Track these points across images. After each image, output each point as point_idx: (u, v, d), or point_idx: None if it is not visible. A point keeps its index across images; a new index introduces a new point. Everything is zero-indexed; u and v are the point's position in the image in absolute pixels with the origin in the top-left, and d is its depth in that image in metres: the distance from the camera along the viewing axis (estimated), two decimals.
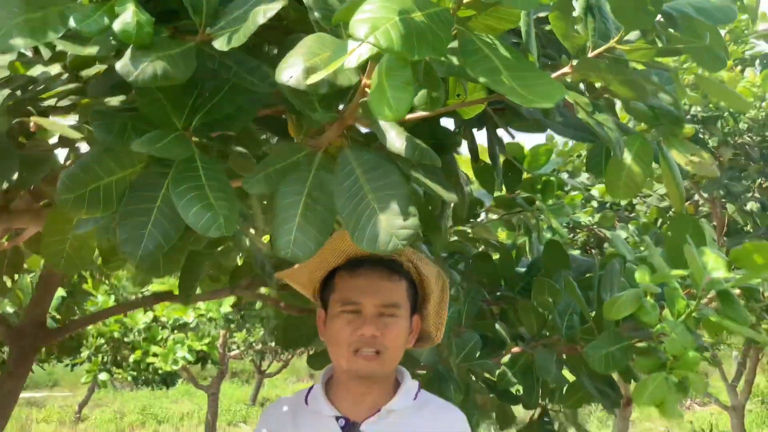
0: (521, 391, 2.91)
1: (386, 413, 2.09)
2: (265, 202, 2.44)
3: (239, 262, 3.39)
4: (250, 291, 3.21)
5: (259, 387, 20.38)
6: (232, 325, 11.97)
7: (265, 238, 3.44)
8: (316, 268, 2.15)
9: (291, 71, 1.48)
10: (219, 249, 3.15)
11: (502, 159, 2.84)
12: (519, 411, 3.23)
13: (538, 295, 2.72)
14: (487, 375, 2.86)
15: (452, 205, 2.57)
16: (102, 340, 11.10)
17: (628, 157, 1.74)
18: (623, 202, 7.62)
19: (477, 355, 2.73)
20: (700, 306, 2.14)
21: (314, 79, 1.34)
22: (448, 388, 2.65)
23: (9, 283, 3.59)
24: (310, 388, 2.20)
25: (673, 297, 2.17)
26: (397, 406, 2.11)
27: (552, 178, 3.64)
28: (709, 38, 1.60)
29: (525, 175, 3.66)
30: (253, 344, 14.86)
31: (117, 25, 1.54)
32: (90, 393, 18.27)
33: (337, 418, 2.09)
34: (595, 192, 7.76)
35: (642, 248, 4.67)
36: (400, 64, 1.25)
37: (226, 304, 11.08)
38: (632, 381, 2.58)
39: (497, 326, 2.88)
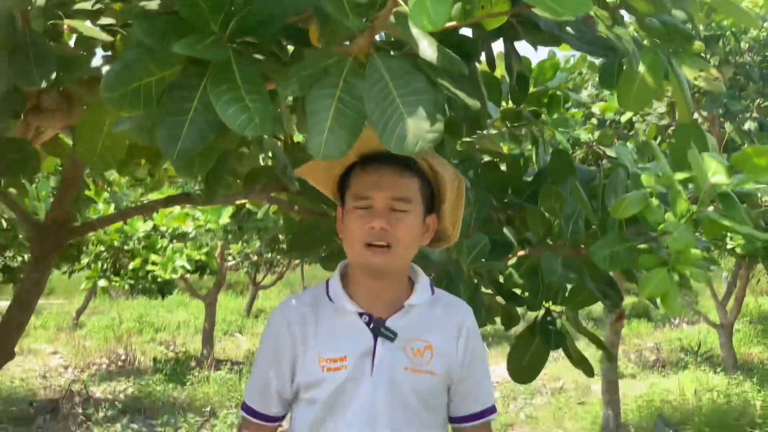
0: (526, 294, 3.06)
1: (408, 309, 2.21)
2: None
3: (254, 166, 3.49)
4: (264, 195, 3.31)
5: (254, 299, 20.64)
6: (230, 236, 12.10)
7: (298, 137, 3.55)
8: (332, 165, 2.22)
9: None
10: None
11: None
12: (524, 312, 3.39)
13: (544, 201, 2.83)
14: (494, 277, 2.99)
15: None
16: (102, 248, 11.24)
17: (640, 70, 1.84)
18: (623, 120, 7.71)
19: (485, 256, 2.86)
20: (701, 208, 2.26)
21: None
22: (457, 288, 2.78)
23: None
24: (327, 283, 2.29)
25: (676, 199, 2.28)
26: (417, 301, 2.22)
27: (558, 93, 3.74)
28: None
29: (531, 89, 3.76)
30: (250, 255, 15.02)
31: None
32: (87, 301, 18.51)
33: (361, 314, 2.19)
34: (595, 109, 7.85)
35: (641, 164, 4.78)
36: None
37: (225, 215, 11.22)
38: (634, 283, 2.71)
39: (505, 230, 3.00)
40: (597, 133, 7.73)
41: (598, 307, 14.23)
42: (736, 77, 7.70)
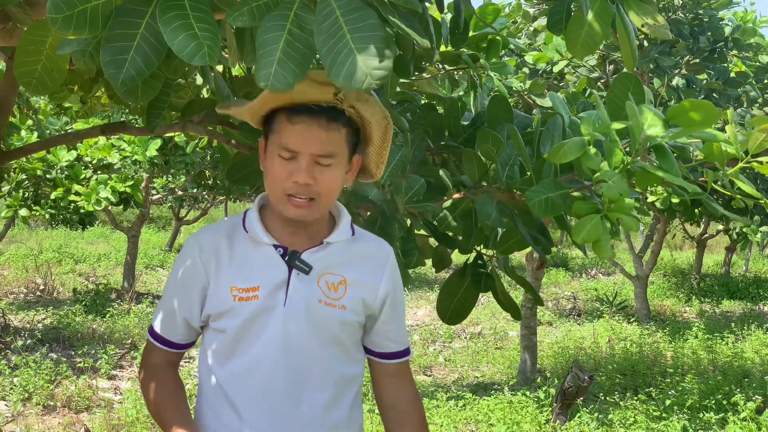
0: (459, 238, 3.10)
1: (325, 245, 2.24)
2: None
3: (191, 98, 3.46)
4: (201, 127, 3.29)
5: (176, 234, 20.52)
6: (156, 169, 11.96)
7: (237, 70, 3.52)
8: (258, 110, 2.19)
9: None
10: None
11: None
12: (454, 256, 3.43)
13: (481, 145, 2.86)
14: (428, 219, 3.02)
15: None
16: (23, 176, 11.03)
17: (588, 16, 1.87)
18: (555, 70, 7.78)
19: (421, 198, 2.89)
20: (636, 159, 2.32)
21: None
22: (391, 227, 2.81)
23: None
24: (245, 215, 2.29)
25: (612, 148, 2.33)
26: (336, 239, 2.25)
27: (497, 37, 3.75)
28: None
29: (471, 33, 3.77)
30: (175, 190, 14.90)
31: None
32: (6, 229, 18.15)
33: (276, 247, 2.21)
34: (528, 59, 7.91)
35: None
36: None
37: (152, 148, 11.08)
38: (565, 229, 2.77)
39: (441, 173, 3.03)
40: (528, 83, 7.79)
41: (518, 255, 14.44)
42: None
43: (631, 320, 13.03)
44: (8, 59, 3.20)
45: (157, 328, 2.31)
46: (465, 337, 11.72)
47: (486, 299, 14.18)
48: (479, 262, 3.14)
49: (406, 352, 2.41)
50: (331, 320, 2.21)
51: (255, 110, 2.20)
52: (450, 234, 3.07)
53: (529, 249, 8.99)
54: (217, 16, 1.90)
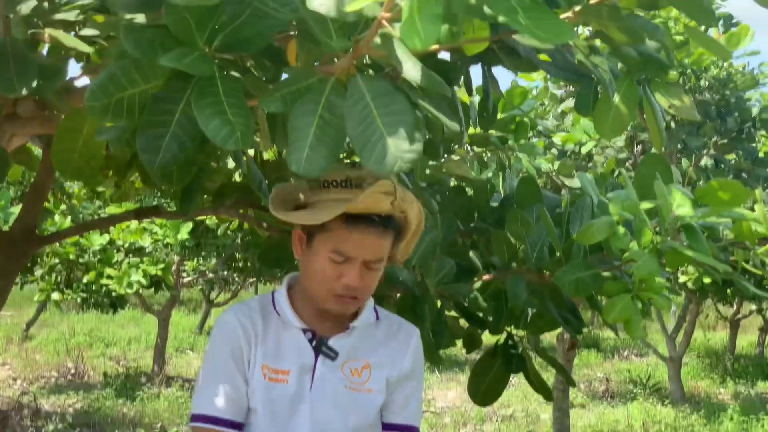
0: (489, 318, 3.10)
1: (352, 329, 2.26)
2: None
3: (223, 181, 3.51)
4: (233, 210, 3.33)
5: (207, 316, 20.51)
6: (187, 252, 12.05)
7: (269, 154, 3.57)
8: (321, 216, 2.17)
9: None
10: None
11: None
12: (485, 336, 3.42)
13: (511, 226, 2.88)
14: (458, 300, 3.03)
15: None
16: (56, 260, 11.14)
17: (615, 98, 1.90)
18: (583, 151, 7.82)
19: (451, 280, 2.90)
20: (665, 239, 2.32)
21: (353, 7, 1.47)
22: (422, 309, 2.82)
23: None
24: (273, 295, 2.31)
25: (642, 228, 2.35)
26: (361, 324, 2.27)
27: (525, 119, 3.80)
28: None
29: (499, 115, 3.82)
30: (205, 272, 14.96)
31: None
32: (38, 313, 18.29)
33: (305, 331, 2.23)
34: (556, 140, 7.96)
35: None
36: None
37: (184, 231, 11.17)
38: (597, 309, 2.77)
39: (470, 254, 3.05)
40: (557, 164, 7.83)
41: (549, 336, 14.32)
42: None
43: (665, 402, 12.82)
44: (44, 146, 3.27)
45: (208, 410, 2.20)
46: (496, 420, 11.57)
47: (517, 380, 14.02)
48: (510, 342, 3.14)
49: (410, 429, 2.36)
50: (358, 405, 2.23)
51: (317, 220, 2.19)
52: (480, 315, 3.07)
53: (560, 329, 8.93)
54: (250, 102, 1.94)
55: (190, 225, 11.13)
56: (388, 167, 1.75)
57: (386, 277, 2.95)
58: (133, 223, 11.46)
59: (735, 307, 16.13)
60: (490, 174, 4.18)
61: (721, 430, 10.31)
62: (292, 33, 2.37)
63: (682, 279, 11.78)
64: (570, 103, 8.82)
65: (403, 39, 1.41)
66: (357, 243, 2.15)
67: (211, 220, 10.47)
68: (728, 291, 11.55)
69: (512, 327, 3.16)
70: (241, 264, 14.27)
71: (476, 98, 3.67)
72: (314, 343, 2.22)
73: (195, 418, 2.22)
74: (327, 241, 2.17)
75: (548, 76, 8.50)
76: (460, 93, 3.13)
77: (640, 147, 8.44)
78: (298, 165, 1.78)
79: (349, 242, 2.15)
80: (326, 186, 2.19)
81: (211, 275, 15.08)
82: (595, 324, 23.80)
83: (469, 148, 4.16)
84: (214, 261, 14.35)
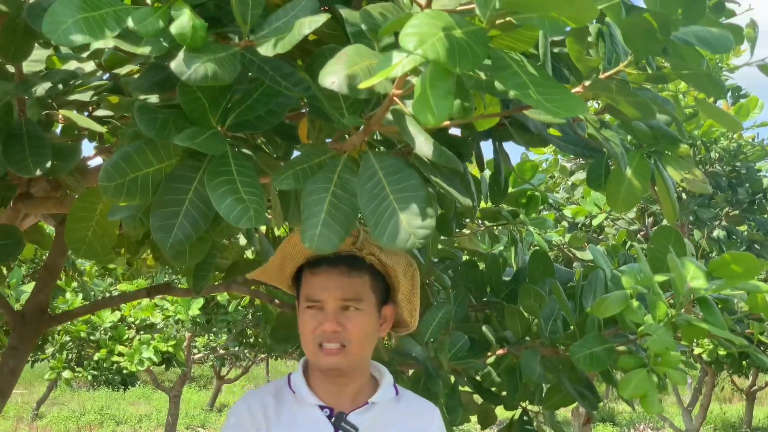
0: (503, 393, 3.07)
1: (371, 406, 2.20)
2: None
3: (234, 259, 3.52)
4: (245, 287, 3.34)
5: (218, 392, 20.39)
6: (198, 328, 12.02)
7: (280, 231, 3.59)
8: (279, 269, 2.26)
9: (333, 77, 1.62)
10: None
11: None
12: (499, 411, 3.39)
13: (524, 300, 2.88)
14: (472, 375, 3.01)
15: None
16: (67, 338, 11.13)
17: (627, 172, 1.91)
18: (594, 223, 7.83)
19: (464, 354, 2.88)
20: (680, 312, 2.31)
21: (365, 85, 1.48)
22: (435, 385, 2.79)
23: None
24: (289, 377, 2.28)
25: (655, 301, 2.33)
26: (380, 399, 2.22)
27: (537, 193, 3.81)
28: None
29: (509, 190, 3.83)
30: (217, 348, 14.90)
31: (174, 28, 1.68)
32: (48, 391, 18.22)
33: (322, 408, 2.19)
34: (567, 212, 7.98)
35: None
36: (442, 75, 1.41)
37: (195, 307, 11.15)
38: (611, 384, 2.74)
39: (484, 329, 3.03)
40: (568, 236, 7.82)
41: (563, 410, 14.17)
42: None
43: None
44: (57, 225, 3.29)
45: None
46: None
47: None
48: (525, 418, 3.10)
49: None
50: None
51: (277, 271, 2.26)
52: (494, 390, 3.05)
53: (575, 404, 8.85)
54: (263, 180, 1.95)
55: (201, 301, 11.12)
56: (401, 243, 1.75)
57: (398, 352, 2.95)
58: (144, 300, 11.46)
59: (751, 378, 15.97)
60: (501, 248, 4.17)
61: None
62: (303, 111, 2.40)
63: (697, 351, 11.68)
64: (580, 175, 8.85)
65: (415, 115, 1.42)
66: (321, 285, 2.15)
67: (222, 297, 10.46)
68: (743, 363, 11.43)
69: (527, 402, 3.13)
70: (252, 340, 14.23)
71: (486, 172, 3.69)
72: (333, 419, 2.19)
73: None
74: (302, 294, 2.19)
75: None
76: (471, 167, 3.15)
77: (651, 219, 8.45)
78: (311, 242, 1.77)
79: (315, 286, 2.15)
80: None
81: (221, 351, 15.01)
82: (610, 397, 23.61)
83: (480, 222, 4.16)
84: (224, 337, 14.31)
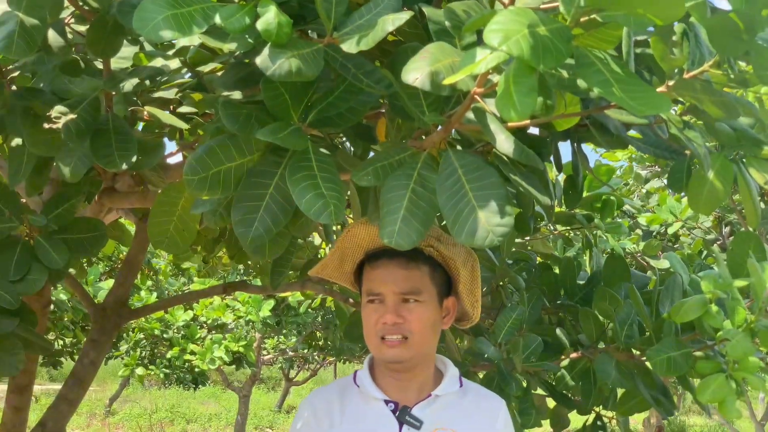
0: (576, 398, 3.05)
1: (434, 398, 2.21)
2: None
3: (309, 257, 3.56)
4: (319, 286, 3.37)
5: (286, 394, 20.54)
6: (268, 329, 12.14)
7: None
8: (342, 263, 2.30)
9: (417, 73, 1.64)
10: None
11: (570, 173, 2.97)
12: (572, 416, 3.37)
13: (599, 303, 2.85)
14: (545, 378, 3.00)
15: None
16: (141, 335, 11.32)
17: (710, 174, 1.89)
18: (669, 231, 7.71)
19: (537, 357, 2.87)
20: (760, 318, 2.28)
21: (449, 81, 1.50)
22: (509, 386, 2.79)
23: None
24: (355, 373, 2.30)
25: (735, 307, 2.31)
26: (444, 392, 2.22)
27: (612, 197, 3.78)
28: None
29: (585, 194, 3.81)
30: (286, 350, 15.02)
31: (260, 25, 1.71)
32: (121, 388, 18.54)
33: (387, 402, 2.20)
34: (641, 220, 7.87)
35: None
36: (526, 72, 1.41)
37: (266, 309, 11.27)
38: (687, 390, 2.71)
39: (557, 331, 3.02)
40: (642, 244, 7.72)
41: (634, 421, 13.98)
42: None
43: None
44: (138, 221, 3.36)
45: None
46: None
47: None
48: (598, 423, 3.08)
49: None
50: None
51: (336, 267, 2.30)
52: (568, 394, 3.03)
53: (646, 414, 8.72)
54: (343, 176, 1.97)
55: (271, 302, 11.24)
56: (479, 241, 1.76)
57: (471, 353, 2.95)
58: (216, 300, 11.62)
59: None
60: (575, 252, 4.14)
61: None
62: (381, 111, 2.43)
63: None
64: (655, 183, 8.74)
65: (498, 111, 1.43)
66: (381, 278, 2.17)
67: (293, 298, 10.55)
68: None
69: (601, 407, 3.10)
70: (321, 343, 14.32)
71: (560, 176, 3.68)
72: (397, 413, 2.20)
73: None
74: (364, 289, 2.22)
75: (633, 156, 8.47)
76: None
77: (728, 228, 8.30)
78: (390, 238, 1.79)
79: (375, 280, 2.18)
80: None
81: (291, 353, 15.12)
82: (681, 410, 23.25)
83: (552, 227, 4.14)
84: (294, 339, 14.43)
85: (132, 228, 4.02)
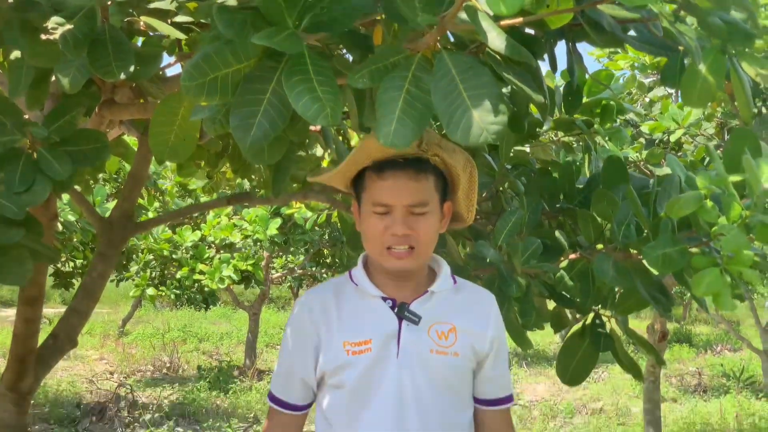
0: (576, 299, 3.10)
1: (430, 294, 2.28)
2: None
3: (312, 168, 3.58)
4: (322, 195, 3.40)
5: None
6: (276, 248, 12.24)
7: (356, 141, 3.63)
8: (349, 171, 2.30)
9: None
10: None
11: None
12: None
13: (597, 205, 2.88)
14: (545, 279, 3.04)
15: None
16: (151, 257, 11.42)
17: (702, 68, 1.90)
18: (672, 139, 7.71)
19: (537, 258, 2.92)
20: (755, 213, 2.30)
21: None
22: (509, 287, 2.83)
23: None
24: (350, 272, 2.35)
25: (730, 202, 2.33)
26: (439, 288, 2.30)
27: (611, 102, 3.78)
28: None
29: (585, 99, 3.81)
30: (294, 269, 15.14)
31: None
32: (133, 310, 18.77)
33: (384, 299, 2.26)
34: (644, 129, 7.86)
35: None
36: None
37: (273, 227, 11.34)
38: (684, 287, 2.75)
39: (557, 234, 3.06)
40: (645, 153, 7.73)
41: (639, 329, 14.09)
42: None
43: (760, 396, 12.58)
44: (140, 135, 3.39)
45: (277, 392, 2.38)
46: (586, 413, 11.50)
47: (607, 374, 13.91)
48: (597, 322, 3.14)
49: (509, 398, 2.43)
50: (445, 368, 2.25)
51: (343, 174, 2.31)
52: (567, 295, 3.08)
53: (650, 322, 8.81)
54: (339, 81, 2.00)
55: (278, 221, 11.31)
56: (473, 139, 1.79)
57: (472, 256, 2.99)
58: (224, 220, 11.70)
59: None
60: (580, 158, 4.15)
61: None
62: (378, 18, 2.43)
63: None
64: (658, 91, 8.70)
65: (489, 6, 1.44)
66: (391, 189, 2.19)
67: (299, 214, 10.61)
68: None
69: (600, 307, 3.16)
70: (328, 260, 14.44)
71: (560, 84, 3.68)
72: (395, 309, 2.26)
73: (268, 395, 2.43)
74: (368, 198, 2.23)
75: (635, 65, 8.41)
76: (546, 78, 3.15)
77: (730, 135, 8.29)
78: (386, 138, 1.82)
79: (384, 190, 2.20)
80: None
81: (299, 272, 15.25)
82: (687, 319, 23.47)
83: (554, 137, 4.15)
84: (302, 257, 14.55)
85: (135, 145, 4.05)
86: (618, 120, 7.14)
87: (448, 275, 2.34)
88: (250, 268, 11.48)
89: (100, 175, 7.96)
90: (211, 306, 12.55)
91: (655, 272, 2.76)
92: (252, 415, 10.12)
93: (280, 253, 14.16)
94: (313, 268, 15.12)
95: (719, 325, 19.57)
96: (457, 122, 1.80)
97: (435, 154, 2.24)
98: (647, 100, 8.79)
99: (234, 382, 12.17)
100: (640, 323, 18.05)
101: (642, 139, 8.09)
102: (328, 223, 10.66)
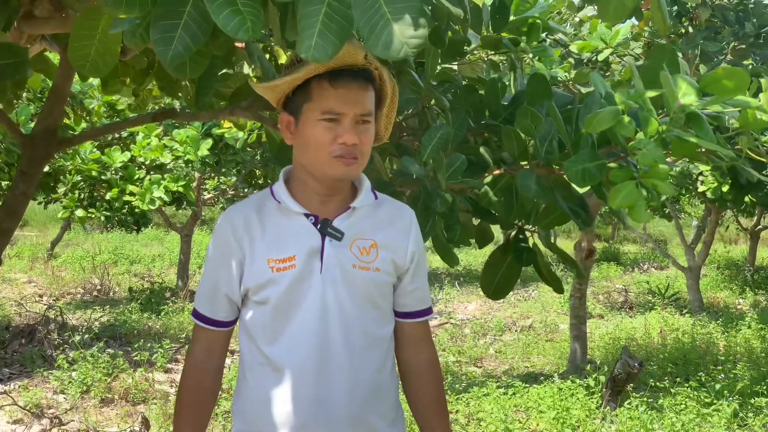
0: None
1: (352, 210, 2.32)
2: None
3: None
4: (248, 112, 3.38)
5: None
6: (208, 169, 12.13)
7: (282, 59, 3.61)
8: (296, 79, 2.26)
9: None
10: (221, 73, 3.34)
11: None
12: (496, 232, 3.50)
13: (520, 121, 2.92)
14: (469, 195, 3.09)
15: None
16: (79, 177, 11.24)
17: None
18: (600, 58, 7.79)
19: (462, 174, 2.95)
20: (671, 127, 2.36)
21: None
22: (434, 202, 2.87)
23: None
24: (271, 188, 2.37)
25: (647, 117, 2.39)
26: (361, 204, 2.34)
27: (538, 21, 3.80)
28: None
29: (511, 18, 3.82)
30: (227, 190, 15.07)
31: None
32: (62, 232, 18.56)
33: (307, 215, 2.29)
34: (573, 48, 7.93)
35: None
36: None
37: (204, 148, 11.24)
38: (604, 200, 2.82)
39: (481, 150, 3.09)
40: (573, 72, 7.80)
41: (568, 249, 14.38)
42: (712, 19, 7.81)
43: (684, 312, 12.94)
44: (62, 50, 3.32)
45: (201, 308, 2.40)
46: (516, 330, 11.74)
47: (537, 293, 14.18)
48: (520, 237, 3.20)
49: (428, 311, 2.50)
50: (367, 283, 2.30)
51: (289, 84, 2.27)
52: (491, 210, 3.13)
53: (577, 240, 8.98)
54: None
55: (210, 141, 11.20)
56: (394, 52, 1.80)
57: (398, 172, 3.02)
58: (154, 141, 11.55)
59: (755, 219, 16.18)
60: (507, 76, 4.18)
61: (739, 337, 10.41)
62: None
63: (701, 189, 11.80)
64: (588, 11, 8.75)
65: None
66: (343, 98, 2.21)
67: (230, 135, 10.52)
68: (746, 199, 11.52)
69: (523, 222, 3.22)
70: (261, 181, 14.38)
71: (489, 2, 3.68)
72: (318, 225, 2.29)
73: (192, 312, 2.44)
74: (315, 107, 2.23)
75: None
76: None
77: None
78: (307, 51, 1.83)
79: (336, 98, 2.21)
80: (299, 60, 2.24)
81: (231, 192, 15.17)
82: (616, 239, 23.93)
83: (485, 56, 4.16)
84: (234, 178, 14.47)
85: (57, 60, 3.98)
86: (547, 39, 7.21)
87: (369, 190, 2.37)
88: (181, 189, 11.38)
89: (24, 94, 7.80)
90: (142, 228, 12.43)
91: (576, 187, 2.82)
92: (184, 335, 10.14)
93: (212, 174, 14.07)
94: (246, 189, 15.04)
95: (647, 244, 20.00)
96: (378, 36, 1.81)
97: (376, 67, 2.27)
98: (577, 20, 8.85)
99: (166, 303, 12.16)
100: (571, 243, 18.38)
101: (571, 59, 8.16)
102: (259, 143, 10.59)
